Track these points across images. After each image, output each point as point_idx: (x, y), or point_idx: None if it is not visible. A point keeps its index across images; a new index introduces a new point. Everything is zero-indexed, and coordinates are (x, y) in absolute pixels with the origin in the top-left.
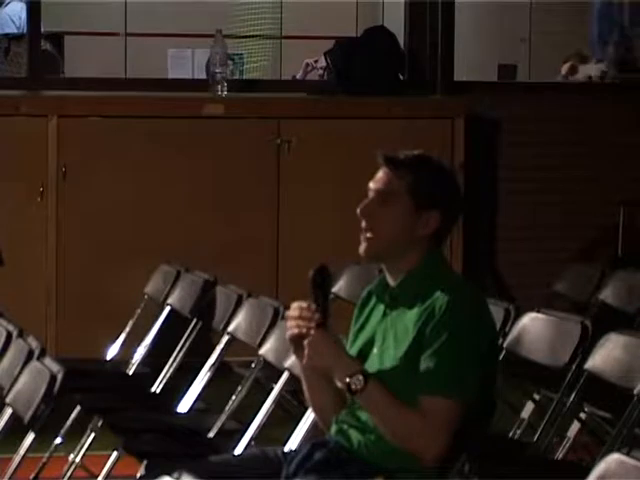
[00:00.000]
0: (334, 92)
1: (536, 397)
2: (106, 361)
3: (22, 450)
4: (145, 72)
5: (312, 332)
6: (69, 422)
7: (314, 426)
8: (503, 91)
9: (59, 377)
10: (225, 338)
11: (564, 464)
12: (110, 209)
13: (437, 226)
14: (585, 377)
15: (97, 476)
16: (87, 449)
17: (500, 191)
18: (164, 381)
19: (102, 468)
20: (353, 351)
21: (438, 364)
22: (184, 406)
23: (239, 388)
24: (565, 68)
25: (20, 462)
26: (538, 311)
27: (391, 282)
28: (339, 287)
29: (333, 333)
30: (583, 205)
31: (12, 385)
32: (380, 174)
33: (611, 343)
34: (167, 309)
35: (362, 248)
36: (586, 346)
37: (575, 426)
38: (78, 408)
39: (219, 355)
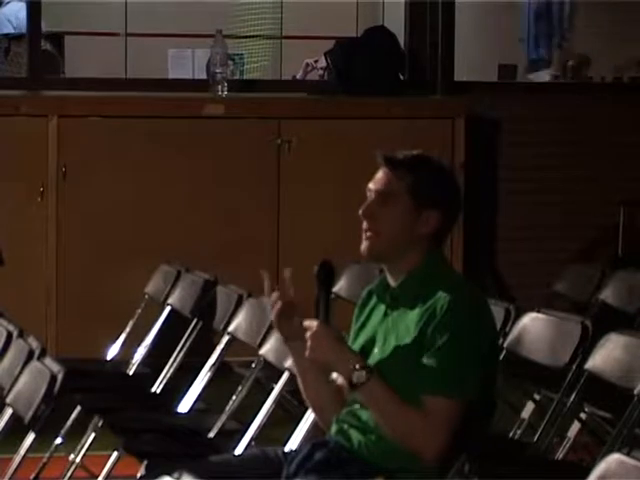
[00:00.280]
0: (334, 92)
1: (536, 397)
2: (106, 361)
3: (22, 450)
4: (145, 72)
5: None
6: (69, 422)
7: (314, 426)
8: (503, 91)
9: (59, 377)
10: (225, 338)
11: (564, 464)
12: (110, 209)
13: (437, 225)
14: (585, 377)
15: (97, 476)
16: (87, 449)
17: (500, 191)
18: (164, 381)
19: (102, 468)
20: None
21: (439, 364)
22: (184, 406)
23: (239, 388)
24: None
25: (20, 462)
26: (538, 311)
27: (392, 282)
28: (339, 287)
29: (335, 328)
30: (583, 205)
31: (12, 385)
32: (380, 174)
33: (611, 343)
34: (167, 309)
35: (364, 248)
36: (586, 346)
37: (575, 426)
38: (78, 408)
39: (219, 355)
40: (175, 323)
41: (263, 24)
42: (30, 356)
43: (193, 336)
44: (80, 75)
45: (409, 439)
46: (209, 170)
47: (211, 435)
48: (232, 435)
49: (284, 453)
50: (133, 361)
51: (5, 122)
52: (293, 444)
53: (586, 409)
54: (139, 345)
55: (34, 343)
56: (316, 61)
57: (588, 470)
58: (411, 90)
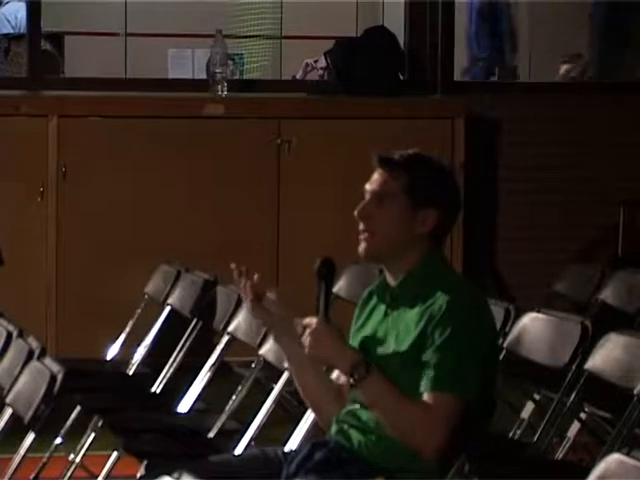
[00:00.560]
0: (334, 92)
1: (536, 397)
2: (106, 361)
3: (22, 450)
4: (145, 72)
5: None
6: (69, 422)
7: (314, 426)
8: (503, 91)
9: (59, 377)
10: (225, 338)
11: (564, 464)
12: (110, 209)
13: (435, 224)
14: (585, 377)
15: (97, 476)
16: (87, 449)
17: (500, 191)
18: (164, 381)
19: (102, 468)
20: None
21: (439, 362)
22: (184, 406)
23: (239, 388)
24: None
25: (20, 462)
26: (538, 311)
27: (391, 282)
28: (339, 287)
29: (335, 324)
30: (583, 205)
31: (12, 385)
32: (375, 175)
33: (611, 343)
34: (167, 309)
35: (361, 249)
36: (586, 346)
37: (575, 426)
38: (78, 408)
39: (219, 355)
40: (175, 323)
41: (263, 24)
42: (30, 356)
43: (193, 336)
44: (80, 75)
45: (409, 435)
46: (209, 170)
47: (211, 435)
48: (232, 435)
49: (284, 453)
50: (133, 361)
51: (5, 122)
52: (293, 444)
53: (586, 409)
54: (139, 345)
55: (34, 343)
56: (316, 61)
57: (588, 470)
58: (411, 90)
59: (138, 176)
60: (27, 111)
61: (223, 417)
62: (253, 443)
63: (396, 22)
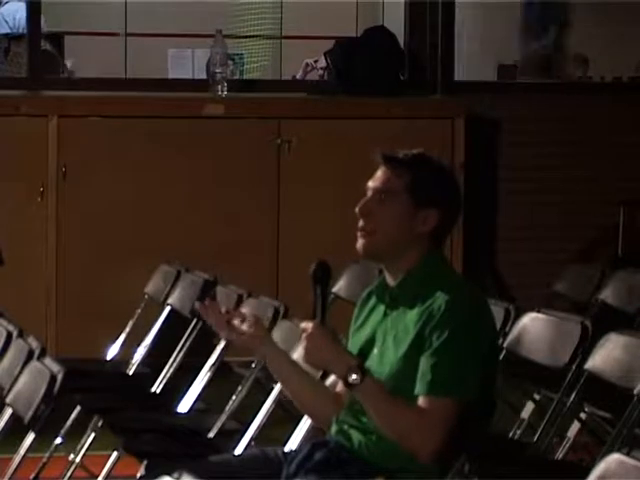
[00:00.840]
0: (334, 92)
1: (536, 397)
2: (106, 361)
3: (22, 450)
4: (145, 72)
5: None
6: (69, 422)
7: (314, 426)
8: (503, 91)
9: (59, 377)
10: None
11: (564, 464)
12: (110, 209)
13: (436, 224)
14: (585, 377)
15: (97, 476)
16: (87, 449)
17: (500, 191)
18: (164, 381)
19: (102, 468)
20: (353, 351)
21: (438, 363)
22: (184, 406)
23: (239, 388)
24: None
25: (20, 462)
26: (538, 311)
27: (391, 282)
28: (339, 287)
29: (331, 328)
30: (583, 205)
31: (12, 385)
32: (379, 173)
33: (611, 343)
34: (167, 309)
35: (360, 245)
36: (586, 346)
37: (575, 426)
38: (78, 408)
39: (219, 355)
40: (175, 323)
41: (263, 24)
42: (30, 356)
43: (193, 336)
44: (80, 75)
45: (405, 438)
46: (209, 170)
47: (211, 435)
48: (232, 435)
49: (284, 453)
50: (133, 361)
51: (5, 122)
52: (293, 444)
53: (586, 409)
54: (139, 345)
55: (34, 343)
56: (316, 61)
57: (588, 470)
58: (411, 90)
59: (138, 176)
60: (27, 111)
61: (223, 417)
62: (253, 443)
63: (396, 22)
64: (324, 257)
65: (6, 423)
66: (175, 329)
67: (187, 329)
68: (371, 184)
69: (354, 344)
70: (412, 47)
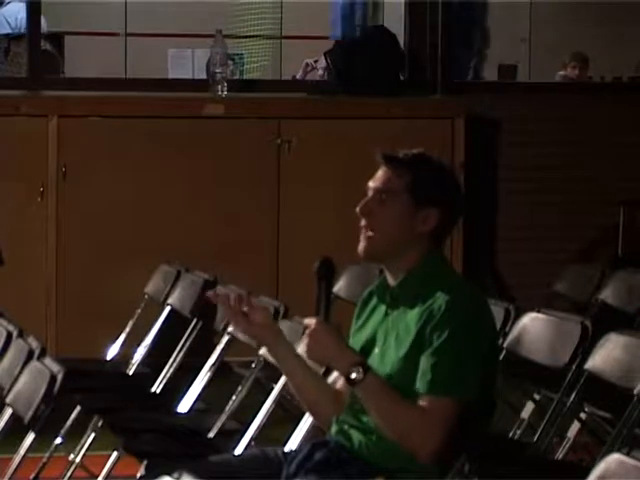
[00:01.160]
0: (334, 92)
1: (536, 397)
2: (106, 361)
3: (22, 450)
4: (145, 72)
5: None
6: (69, 422)
7: (314, 426)
8: (503, 91)
9: (59, 377)
10: (225, 338)
11: (564, 464)
12: (110, 209)
13: (436, 224)
14: (585, 377)
15: (97, 476)
16: (87, 449)
17: (500, 191)
18: (164, 381)
19: (102, 468)
20: None
21: (438, 363)
22: (184, 406)
23: (239, 388)
24: None
25: (20, 462)
26: (538, 311)
27: (391, 282)
28: (339, 287)
29: (334, 325)
30: (583, 205)
31: (12, 385)
32: (379, 173)
33: (611, 343)
34: (167, 309)
35: (361, 247)
36: (586, 346)
37: (575, 426)
38: (78, 408)
39: (219, 355)
40: (175, 323)
41: (263, 24)
42: (30, 356)
43: (193, 336)
44: (80, 75)
45: (405, 437)
46: (209, 170)
47: (211, 435)
48: (232, 435)
49: (284, 453)
50: (133, 361)
51: (5, 122)
52: (293, 444)
53: (586, 409)
54: (139, 345)
55: (34, 343)
56: (316, 61)
57: (588, 470)
58: (411, 90)
59: (138, 176)
60: (27, 111)
61: (223, 417)
62: (253, 443)
63: (396, 22)
64: (324, 254)
65: (6, 423)
66: (175, 329)
67: (187, 329)
68: (371, 184)
69: (355, 344)
70: (412, 47)
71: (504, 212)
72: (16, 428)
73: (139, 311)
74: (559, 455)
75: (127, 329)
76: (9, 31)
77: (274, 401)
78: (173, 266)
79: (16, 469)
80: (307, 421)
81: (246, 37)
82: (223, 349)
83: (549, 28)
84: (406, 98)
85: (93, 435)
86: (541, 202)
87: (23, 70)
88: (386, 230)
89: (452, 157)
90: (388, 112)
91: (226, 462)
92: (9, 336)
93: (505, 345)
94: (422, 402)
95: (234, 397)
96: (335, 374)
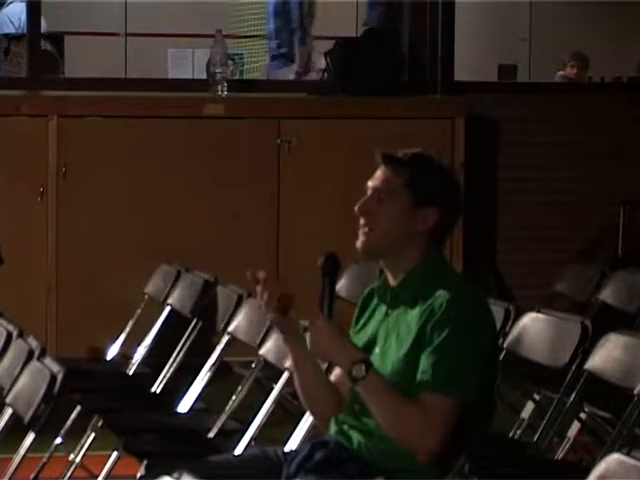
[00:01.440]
0: (334, 92)
1: (536, 397)
2: (106, 361)
3: (22, 450)
4: (145, 72)
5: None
6: (69, 422)
7: (314, 426)
8: (503, 91)
9: (59, 377)
10: (225, 338)
11: (564, 464)
12: (110, 209)
13: (435, 223)
14: (585, 377)
15: (97, 476)
16: (87, 449)
17: (500, 191)
18: (164, 381)
19: (102, 468)
20: None
21: (438, 362)
22: (184, 406)
23: (239, 388)
24: None
25: (20, 462)
26: (538, 311)
27: (392, 282)
28: (339, 287)
29: (338, 321)
30: (583, 205)
31: (12, 385)
32: (378, 172)
33: (611, 343)
34: (167, 309)
35: (359, 243)
36: (586, 346)
37: (575, 426)
38: (78, 408)
39: (219, 355)
40: (175, 323)
41: (263, 24)
42: (30, 356)
43: (193, 336)
44: (80, 75)
45: (406, 436)
46: (209, 170)
47: (211, 435)
48: (232, 435)
49: (284, 453)
50: (133, 361)
51: (5, 122)
52: (293, 444)
53: (586, 409)
54: (139, 345)
55: (34, 343)
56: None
57: (588, 470)
58: (411, 90)
59: (138, 176)
60: (27, 111)
61: (223, 417)
62: (253, 443)
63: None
64: (328, 250)
65: (6, 423)
66: (175, 329)
67: (187, 329)
68: (370, 183)
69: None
70: (412, 47)
71: (504, 212)
72: (16, 428)
73: (139, 311)
74: (559, 455)
75: (127, 329)
76: (13, 31)
77: (274, 401)
78: (173, 266)
79: (16, 469)
80: (307, 421)
81: (246, 37)
82: (223, 349)
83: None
84: (406, 98)
85: (93, 435)
86: (541, 202)
87: (23, 70)
88: (385, 228)
89: (452, 157)
90: (388, 112)
91: (226, 462)
92: (9, 336)
93: (505, 345)
94: (422, 401)
95: (234, 397)
96: (336, 370)
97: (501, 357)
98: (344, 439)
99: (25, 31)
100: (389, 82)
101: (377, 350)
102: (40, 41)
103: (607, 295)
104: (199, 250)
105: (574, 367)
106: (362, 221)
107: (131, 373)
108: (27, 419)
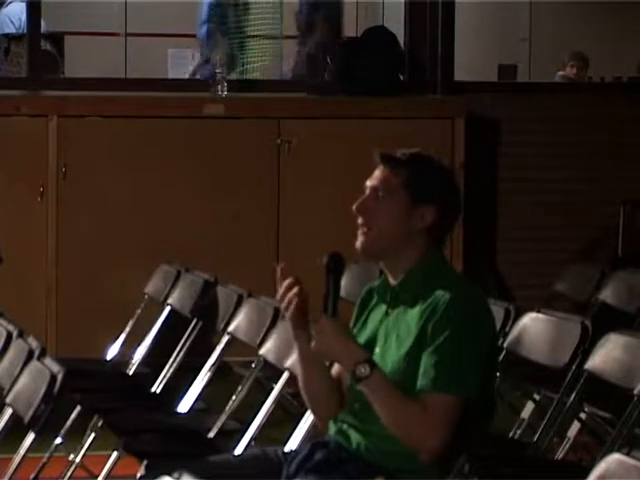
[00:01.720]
0: (334, 92)
1: (536, 397)
2: (106, 361)
3: (22, 450)
4: (145, 72)
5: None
6: (69, 422)
7: (314, 426)
8: (503, 91)
9: (59, 377)
10: (225, 338)
11: (564, 464)
12: (110, 209)
13: (433, 221)
14: (585, 377)
15: (97, 476)
16: (87, 449)
17: (500, 191)
18: (164, 381)
19: (102, 468)
20: None
21: (438, 360)
22: (184, 406)
23: (239, 388)
24: None
25: (20, 462)
26: (538, 311)
27: (392, 281)
28: None
29: (342, 320)
30: (583, 205)
31: (12, 385)
32: (376, 172)
33: (611, 343)
34: (167, 309)
35: (359, 244)
36: (586, 346)
37: (575, 426)
38: (78, 408)
39: (219, 355)
40: (175, 323)
41: (263, 24)
42: (30, 356)
43: (193, 336)
44: (80, 75)
45: (408, 434)
46: (209, 170)
47: (211, 435)
48: (232, 435)
49: (284, 453)
50: (133, 361)
51: (5, 122)
52: (293, 444)
53: (586, 409)
54: (139, 345)
55: (34, 343)
56: None
57: (588, 470)
58: (411, 90)
59: (138, 176)
60: (27, 111)
61: (223, 417)
62: (253, 443)
63: (396, 22)
64: (333, 250)
65: (6, 423)
66: (175, 329)
67: (187, 329)
68: (368, 183)
69: None
70: (412, 47)
71: (504, 212)
72: (16, 428)
73: (139, 311)
74: (559, 455)
75: (127, 329)
76: (13, 31)
77: (274, 401)
78: (173, 266)
79: (16, 469)
80: (307, 421)
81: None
82: (223, 349)
83: (549, 28)
84: (406, 98)
85: (93, 435)
86: (541, 202)
87: (23, 70)
88: (383, 227)
89: (452, 157)
90: (388, 112)
91: (226, 462)
92: (9, 336)
93: (505, 345)
94: (424, 400)
95: (234, 397)
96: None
97: (501, 357)
98: (343, 439)
99: (25, 31)
100: (389, 82)
101: (377, 350)
102: (40, 41)
103: (607, 295)
104: (199, 250)
105: (574, 367)
106: (360, 220)
107: (131, 373)
108: (27, 419)
